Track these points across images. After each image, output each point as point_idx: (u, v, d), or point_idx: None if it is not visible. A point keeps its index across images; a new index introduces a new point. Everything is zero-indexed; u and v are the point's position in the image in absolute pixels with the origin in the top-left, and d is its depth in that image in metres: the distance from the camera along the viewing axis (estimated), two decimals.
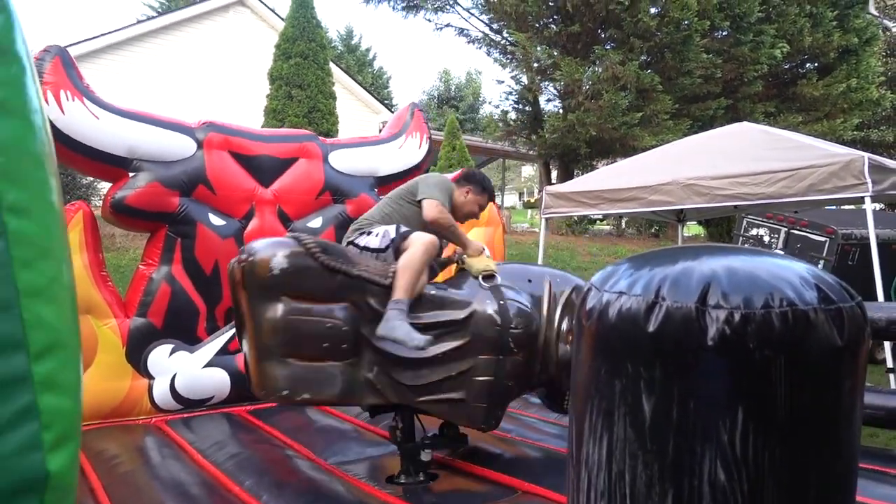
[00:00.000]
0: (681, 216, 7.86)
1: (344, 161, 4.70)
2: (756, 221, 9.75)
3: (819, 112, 15.24)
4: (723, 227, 14.63)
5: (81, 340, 3.62)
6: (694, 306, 0.80)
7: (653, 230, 16.88)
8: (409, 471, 2.83)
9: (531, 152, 16.08)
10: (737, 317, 0.78)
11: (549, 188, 6.66)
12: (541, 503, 2.52)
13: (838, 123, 14.81)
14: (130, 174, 3.89)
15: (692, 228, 18.01)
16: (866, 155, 4.53)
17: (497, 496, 2.63)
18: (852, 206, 9.33)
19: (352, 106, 14.80)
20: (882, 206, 12.54)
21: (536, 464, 2.91)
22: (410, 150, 5.05)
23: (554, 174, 16.86)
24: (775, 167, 4.85)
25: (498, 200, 20.28)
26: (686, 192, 5.34)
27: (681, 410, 0.79)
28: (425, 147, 5.14)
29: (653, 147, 9.16)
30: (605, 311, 0.87)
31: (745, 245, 8.98)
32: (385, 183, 4.99)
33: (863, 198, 4.56)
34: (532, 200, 29.26)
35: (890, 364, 4.68)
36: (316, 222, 4.53)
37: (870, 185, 4.40)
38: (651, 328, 0.81)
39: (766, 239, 9.39)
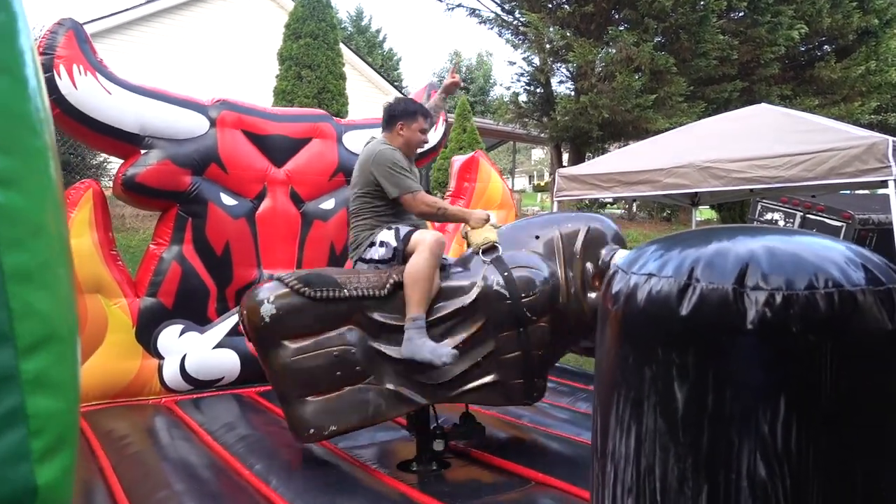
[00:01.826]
0: (695, 200, 7.76)
1: (358, 142, 4.64)
2: (771, 206, 9.62)
3: (836, 95, 14.97)
4: (735, 210, 14.46)
5: (84, 326, 3.49)
6: (731, 287, 0.74)
7: (664, 214, 16.73)
8: (421, 459, 2.81)
9: (542, 135, 15.92)
10: (778, 298, 0.72)
11: (562, 171, 6.58)
12: (555, 495, 2.48)
13: (856, 106, 14.55)
14: (142, 151, 3.86)
15: (704, 213, 17.83)
16: (890, 138, 4.42)
17: (510, 487, 2.59)
18: (867, 191, 9.17)
19: (362, 87, 14.70)
20: None
21: (549, 453, 2.88)
22: None
23: (565, 157, 16.71)
24: (795, 150, 4.75)
25: (508, 184, 20.12)
26: (702, 174, 5.24)
27: (716, 399, 0.74)
28: (441, 129, 5.07)
29: (666, 130, 9.02)
30: (632, 294, 0.82)
31: None
32: None
33: (885, 182, 4.45)
34: (542, 184, 29.08)
35: None
36: (328, 204, 4.50)
37: (894, 169, 4.29)
38: (684, 311, 0.75)
39: (781, 223, 9.27)
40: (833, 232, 8.24)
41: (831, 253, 0.78)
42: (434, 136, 5.00)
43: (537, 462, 2.78)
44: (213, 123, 4.07)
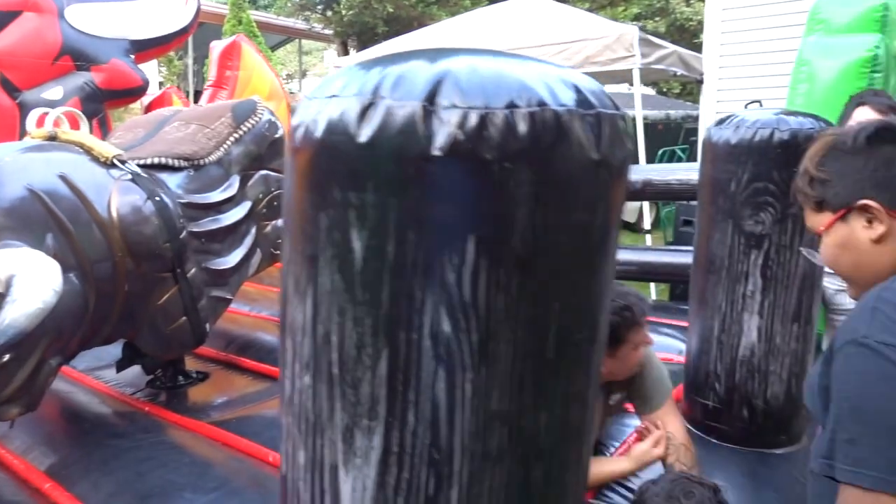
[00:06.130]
0: None
1: (85, 19, 3.94)
2: None
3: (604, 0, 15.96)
4: None
5: None
6: (420, 105, 0.58)
7: None
8: (172, 372, 2.49)
9: (327, 31, 15.13)
10: (473, 118, 0.58)
11: (337, 61, 6.25)
12: None
13: (619, 11, 15.69)
14: None
15: None
16: (636, 28, 4.77)
17: (271, 393, 2.37)
18: (619, 90, 10.00)
19: None
20: (653, 90, 13.77)
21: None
22: (172, 9, 4.33)
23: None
24: (558, 39, 4.93)
25: (297, 86, 19.29)
26: None
27: (398, 245, 0.59)
28: (193, 6, 4.44)
29: None
30: (313, 123, 0.64)
31: None
32: (144, 48, 4.28)
33: (632, 70, 4.81)
34: None
35: (647, 226, 5.18)
36: (55, 93, 3.79)
37: (639, 57, 4.65)
38: (363, 138, 0.59)
39: None
40: None
41: (542, 71, 0.65)
42: (184, 16, 4.38)
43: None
44: None
